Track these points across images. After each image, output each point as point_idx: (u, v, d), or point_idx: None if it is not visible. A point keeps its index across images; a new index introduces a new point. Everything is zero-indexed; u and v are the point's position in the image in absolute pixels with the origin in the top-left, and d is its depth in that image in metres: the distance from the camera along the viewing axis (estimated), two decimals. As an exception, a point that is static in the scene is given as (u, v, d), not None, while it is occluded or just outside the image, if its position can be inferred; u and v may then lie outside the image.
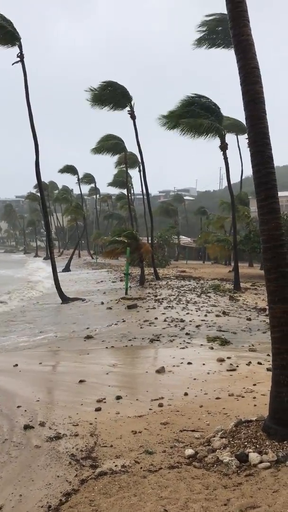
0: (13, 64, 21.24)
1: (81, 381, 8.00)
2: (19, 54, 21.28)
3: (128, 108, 30.75)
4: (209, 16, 26.28)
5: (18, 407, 6.66)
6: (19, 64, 21.32)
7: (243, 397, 6.84)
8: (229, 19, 5.92)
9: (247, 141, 6.19)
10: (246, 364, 8.98)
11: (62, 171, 72.66)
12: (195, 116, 23.91)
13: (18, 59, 21.31)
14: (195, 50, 26.02)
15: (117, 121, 33.49)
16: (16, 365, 9.27)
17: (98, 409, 6.51)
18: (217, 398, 6.86)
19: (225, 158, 24.95)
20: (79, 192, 78.77)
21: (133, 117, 30.62)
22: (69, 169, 72.89)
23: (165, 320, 14.43)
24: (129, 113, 30.76)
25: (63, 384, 8.15)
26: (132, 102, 30.54)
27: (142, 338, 11.99)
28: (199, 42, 27.08)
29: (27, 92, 21.38)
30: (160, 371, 8.62)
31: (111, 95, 30.52)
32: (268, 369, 7.86)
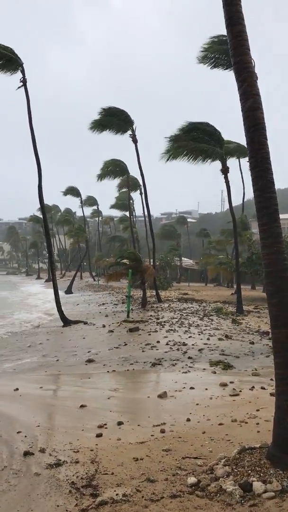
0: (17, 89, 21.66)
1: (82, 406, 7.90)
2: (22, 79, 21.73)
3: (130, 132, 31.23)
4: (213, 38, 26.75)
5: (18, 432, 6.56)
6: (20, 88, 21.79)
7: (246, 423, 6.74)
8: (230, 47, 6.05)
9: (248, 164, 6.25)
10: (249, 389, 8.86)
11: (66, 193, 73.54)
12: (195, 141, 24.21)
13: (21, 83, 21.76)
14: (197, 70, 26.50)
15: (119, 144, 33.94)
16: (17, 389, 9.18)
17: (99, 435, 6.41)
18: (220, 424, 6.75)
19: (227, 182, 25.15)
20: (82, 214, 79.32)
21: (134, 141, 31.07)
22: (72, 191, 73.70)
23: (167, 344, 14.32)
24: (130, 137, 31.23)
25: (64, 409, 8.05)
26: (134, 126, 31.04)
27: (144, 362, 11.88)
28: (203, 59, 27.39)
29: (30, 116, 21.74)
30: (162, 396, 8.51)
31: (113, 120, 31.07)
32: (271, 394, 7.75)
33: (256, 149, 5.37)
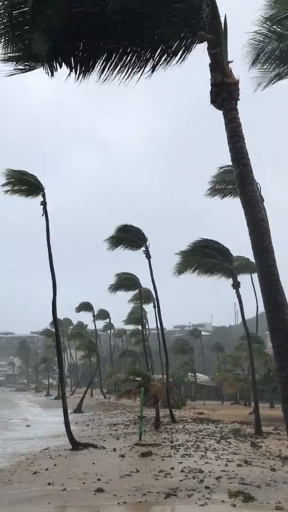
0: (42, 214, 22.95)
1: None
2: (43, 201, 23.27)
3: (143, 248, 32.67)
4: (221, 169, 29.01)
5: None
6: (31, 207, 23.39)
7: None
8: (236, 178, 6.55)
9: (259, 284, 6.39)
10: (274, 527, 8.03)
11: (79, 309, 74.12)
12: (205, 256, 25.18)
13: (42, 206, 23.24)
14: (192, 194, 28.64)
15: (131, 255, 35.32)
16: (19, 524, 8.44)
17: None
18: None
19: (239, 296, 25.38)
20: (94, 328, 78.98)
21: (148, 256, 32.37)
22: (85, 307, 74.29)
23: (182, 471, 13.31)
24: (144, 253, 32.56)
25: None
26: (147, 243, 32.51)
27: (158, 492, 10.95)
28: (211, 193, 29.49)
29: (48, 235, 22.75)
30: (178, 534, 7.73)
31: (127, 237, 32.86)
32: (298, 534, 7.00)
33: (266, 271, 5.54)
